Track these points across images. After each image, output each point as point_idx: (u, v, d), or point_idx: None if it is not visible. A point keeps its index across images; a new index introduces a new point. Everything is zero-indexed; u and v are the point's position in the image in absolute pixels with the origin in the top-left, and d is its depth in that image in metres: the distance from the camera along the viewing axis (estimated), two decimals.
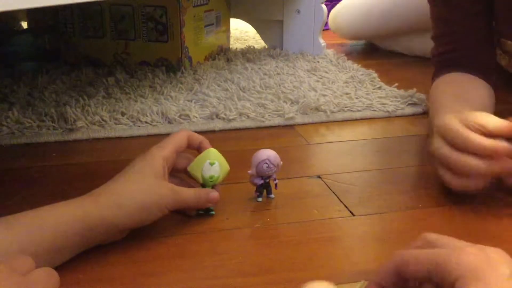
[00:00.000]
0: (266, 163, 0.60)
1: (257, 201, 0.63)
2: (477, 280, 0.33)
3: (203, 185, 0.59)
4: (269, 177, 0.62)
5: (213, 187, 0.59)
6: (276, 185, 0.63)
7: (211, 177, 0.58)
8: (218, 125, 0.89)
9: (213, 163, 0.57)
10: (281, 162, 0.62)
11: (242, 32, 1.78)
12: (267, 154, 0.61)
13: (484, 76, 0.84)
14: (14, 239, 0.45)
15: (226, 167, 0.60)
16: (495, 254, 0.35)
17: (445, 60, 0.89)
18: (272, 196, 0.64)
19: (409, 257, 0.38)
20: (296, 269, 0.50)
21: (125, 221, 0.51)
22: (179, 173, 0.60)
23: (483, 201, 0.64)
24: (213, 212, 0.60)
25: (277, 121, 0.91)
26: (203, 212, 0.59)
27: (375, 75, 1.15)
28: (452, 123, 0.60)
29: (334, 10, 1.54)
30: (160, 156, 0.55)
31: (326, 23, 1.45)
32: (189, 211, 0.59)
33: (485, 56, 0.88)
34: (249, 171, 0.61)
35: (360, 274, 0.50)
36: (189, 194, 0.55)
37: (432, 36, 0.92)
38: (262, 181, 0.62)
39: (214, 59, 1.27)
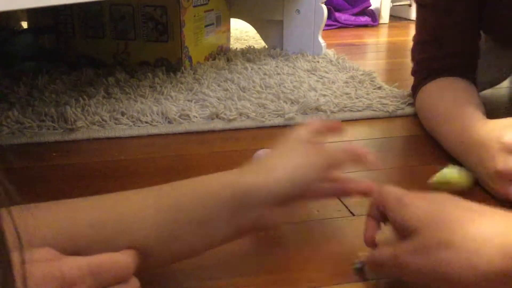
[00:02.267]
0: None
1: None
2: (428, 227, 0.41)
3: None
4: None
5: None
6: None
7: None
8: (218, 125, 0.88)
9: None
10: None
11: (242, 32, 1.78)
12: (267, 154, 0.61)
13: (472, 80, 0.86)
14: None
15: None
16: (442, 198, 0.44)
17: (433, 66, 0.88)
18: None
19: (384, 197, 0.47)
20: (296, 269, 0.50)
21: (279, 189, 0.45)
22: None
23: (482, 201, 0.63)
24: None
25: (277, 121, 0.91)
26: None
27: (375, 75, 1.15)
28: None
29: None
30: (305, 136, 0.51)
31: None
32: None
33: (472, 60, 0.89)
34: None
35: (359, 274, 0.50)
36: (338, 153, 0.52)
37: (417, 41, 0.92)
38: None
39: (214, 59, 1.27)
